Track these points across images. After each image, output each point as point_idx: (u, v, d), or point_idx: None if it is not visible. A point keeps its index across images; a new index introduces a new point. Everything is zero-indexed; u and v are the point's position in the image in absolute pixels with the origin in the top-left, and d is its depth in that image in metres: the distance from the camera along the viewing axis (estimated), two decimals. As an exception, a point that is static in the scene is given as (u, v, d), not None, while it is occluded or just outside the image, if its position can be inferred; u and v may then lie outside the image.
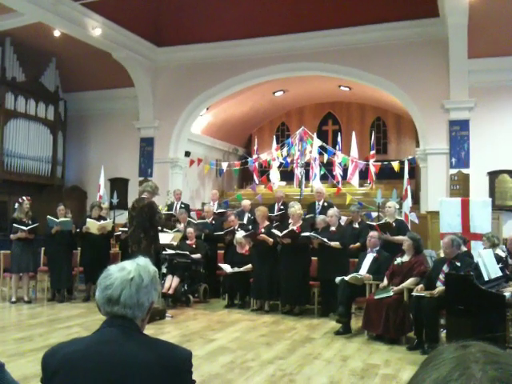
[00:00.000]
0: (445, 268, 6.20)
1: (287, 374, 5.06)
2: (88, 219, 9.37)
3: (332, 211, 8.36)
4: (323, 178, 12.58)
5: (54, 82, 13.66)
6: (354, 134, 13.05)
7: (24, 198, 9.13)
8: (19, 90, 12.59)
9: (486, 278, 5.66)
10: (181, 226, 9.77)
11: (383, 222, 8.19)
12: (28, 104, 12.85)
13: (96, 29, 11.08)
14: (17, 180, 12.55)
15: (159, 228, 8.06)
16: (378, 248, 7.26)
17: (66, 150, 14.08)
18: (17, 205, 9.23)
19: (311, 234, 8.11)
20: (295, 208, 8.40)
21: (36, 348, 5.70)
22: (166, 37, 13.14)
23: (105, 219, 9.63)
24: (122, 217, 10.91)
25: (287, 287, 8.16)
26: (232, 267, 8.94)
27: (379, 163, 12.10)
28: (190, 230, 9.36)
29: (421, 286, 6.23)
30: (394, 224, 7.88)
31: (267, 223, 8.73)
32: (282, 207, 10.03)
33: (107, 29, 11.44)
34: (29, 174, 12.87)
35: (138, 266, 1.81)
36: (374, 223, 8.27)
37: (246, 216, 10.29)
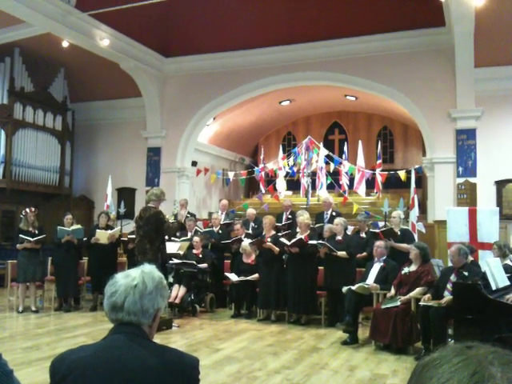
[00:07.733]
0: (452, 277, 6.17)
1: (294, 383, 5.04)
2: (97, 230, 9.40)
3: (338, 220, 8.32)
4: (330, 188, 12.57)
5: (62, 92, 13.77)
6: (360, 143, 13.07)
7: (28, 210, 9.15)
8: (27, 100, 12.69)
9: (494, 288, 5.63)
10: (189, 235, 9.78)
11: (387, 228, 8.18)
12: (36, 114, 12.95)
13: (104, 39, 11.20)
14: (25, 189, 12.62)
15: (166, 237, 8.05)
16: (384, 257, 7.22)
17: (74, 159, 14.16)
18: (22, 216, 9.28)
19: (318, 242, 8.09)
20: (304, 217, 8.38)
21: (43, 357, 5.71)
22: (173, 47, 13.23)
23: (112, 228, 9.67)
24: (129, 226, 10.93)
25: (294, 297, 8.13)
26: (238, 276, 8.93)
27: (386, 172, 12.09)
28: (197, 239, 9.35)
29: (428, 295, 6.20)
30: (398, 232, 7.87)
31: (273, 232, 8.72)
32: (289, 216, 10.01)
33: (115, 39, 11.56)
34: (37, 184, 12.94)
35: (143, 272, 1.84)
36: (377, 230, 8.25)
37: (251, 225, 10.27)
